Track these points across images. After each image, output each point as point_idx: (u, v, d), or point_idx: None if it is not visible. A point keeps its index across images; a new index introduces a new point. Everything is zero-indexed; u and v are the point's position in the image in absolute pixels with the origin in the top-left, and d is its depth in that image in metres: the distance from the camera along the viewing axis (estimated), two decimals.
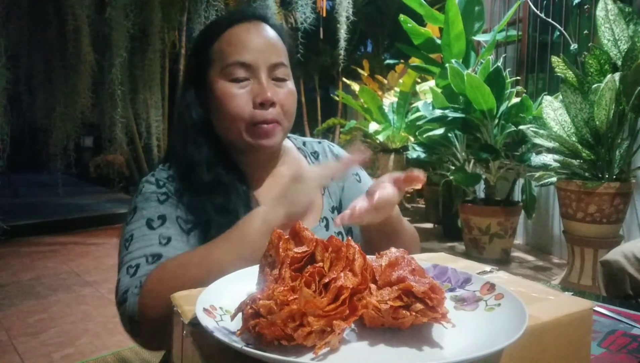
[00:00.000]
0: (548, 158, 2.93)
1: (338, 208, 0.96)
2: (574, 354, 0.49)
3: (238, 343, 0.40)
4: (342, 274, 0.44)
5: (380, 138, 4.93)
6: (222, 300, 0.49)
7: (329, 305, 0.41)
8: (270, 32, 0.85)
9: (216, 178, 0.81)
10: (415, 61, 4.38)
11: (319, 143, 1.02)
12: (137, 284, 0.68)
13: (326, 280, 0.43)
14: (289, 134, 1.00)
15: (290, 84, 0.86)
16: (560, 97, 2.76)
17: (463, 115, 3.30)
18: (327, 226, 0.91)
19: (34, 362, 2.17)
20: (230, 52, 0.81)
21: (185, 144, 0.84)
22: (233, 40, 0.82)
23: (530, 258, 3.68)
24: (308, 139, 1.03)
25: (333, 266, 0.45)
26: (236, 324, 0.44)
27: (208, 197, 0.79)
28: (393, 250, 0.50)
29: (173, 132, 0.93)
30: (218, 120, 0.84)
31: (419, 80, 4.85)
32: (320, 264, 0.45)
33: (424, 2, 3.90)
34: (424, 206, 5.36)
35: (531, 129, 2.85)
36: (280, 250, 0.48)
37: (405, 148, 4.74)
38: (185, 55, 4.47)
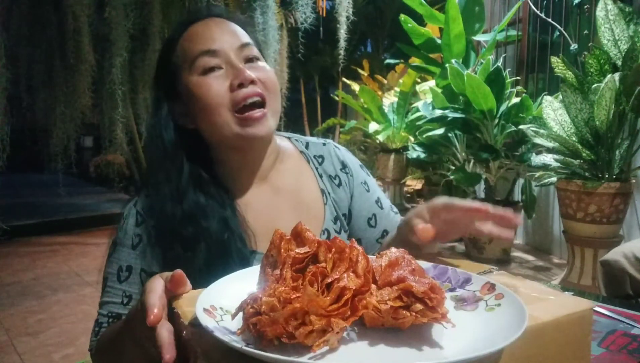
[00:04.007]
0: (548, 158, 2.93)
1: (346, 216, 0.93)
2: (574, 354, 0.49)
3: (238, 343, 0.40)
4: (345, 275, 0.44)
5: (380, 138, 4.94)
6: (222, 300, 0.49)
7: (332, 305, 0.41)
8: (230, 24, 0.83)
9: (187, 210, 0.78)
10: (415, 61, 4.38)
11: (324, 144, 0.96)
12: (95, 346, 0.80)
13: (329, 280, 0.43)
14: (290, 135, 0.96)
15: (266, 65, 0.83)
16: (560, 97, 2.76)
17: (463, 115, 3.30)
18: (328, 239, 0.88)
19: (34, 362, 2.17)
20: (193, 45, 0.80)
21: (157, 173, 0.81)
22: (193, 35, 0.81)
23: (530, 258, 3.68)
24: (312, 139, 0.97)
25: (336, 267, 0.45)
26: (236, 324, 0.44)
27: (178, 233, 0.77)
28: (393, 250, 0.50)
29: (146, 160, 0.93)
30: (202, 120, 0.80)
31: (419, 80, 4.85)
32: (323, 264, 0.45)
33: (424, 2, 3.90)
34: None
35: (531, 129, 2.85)
36: (282, 250, 0.48)
37: (405, 148, 4.74)
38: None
